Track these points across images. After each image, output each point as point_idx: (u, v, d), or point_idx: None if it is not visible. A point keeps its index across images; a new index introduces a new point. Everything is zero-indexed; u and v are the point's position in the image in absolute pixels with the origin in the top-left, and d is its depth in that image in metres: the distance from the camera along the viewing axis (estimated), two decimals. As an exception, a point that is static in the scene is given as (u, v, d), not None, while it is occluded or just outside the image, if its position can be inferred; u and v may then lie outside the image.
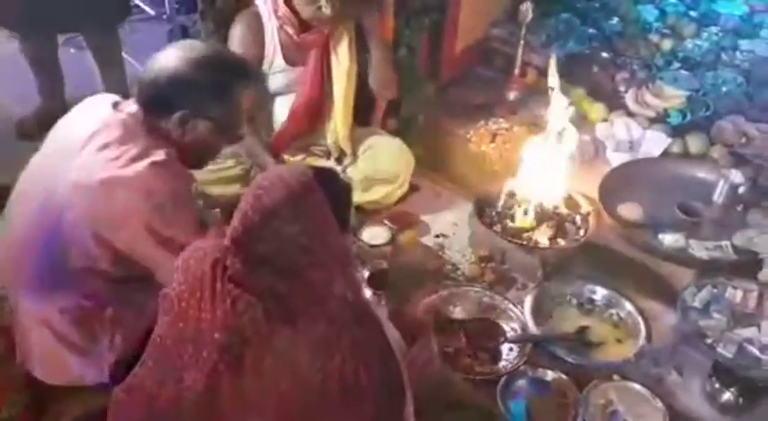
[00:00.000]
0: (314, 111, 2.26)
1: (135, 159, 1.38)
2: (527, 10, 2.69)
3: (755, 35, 3.68)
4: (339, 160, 2.38)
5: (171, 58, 1.43)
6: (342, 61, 2.19)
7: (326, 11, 1.99)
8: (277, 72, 2.18)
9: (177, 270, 1.12)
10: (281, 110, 2.25)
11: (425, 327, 1.55)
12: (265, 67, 2.15)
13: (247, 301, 1.06)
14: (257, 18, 2.10)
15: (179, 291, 1.10)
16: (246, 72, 1.53)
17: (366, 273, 2.01)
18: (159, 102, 1.45)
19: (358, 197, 2.34)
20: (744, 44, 3.52)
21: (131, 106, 1.48)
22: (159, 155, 1.40)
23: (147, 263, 1.45)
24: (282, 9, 2.06)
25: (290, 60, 2.17)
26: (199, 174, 2.14)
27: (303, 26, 2.08)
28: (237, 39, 2.09)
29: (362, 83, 2.32)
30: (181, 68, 1.41)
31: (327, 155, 2.38)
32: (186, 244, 1.20)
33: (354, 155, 2.36)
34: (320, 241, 1.11)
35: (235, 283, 1.08)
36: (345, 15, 2.12)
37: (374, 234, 2.32)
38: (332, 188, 1.16)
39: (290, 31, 2.08)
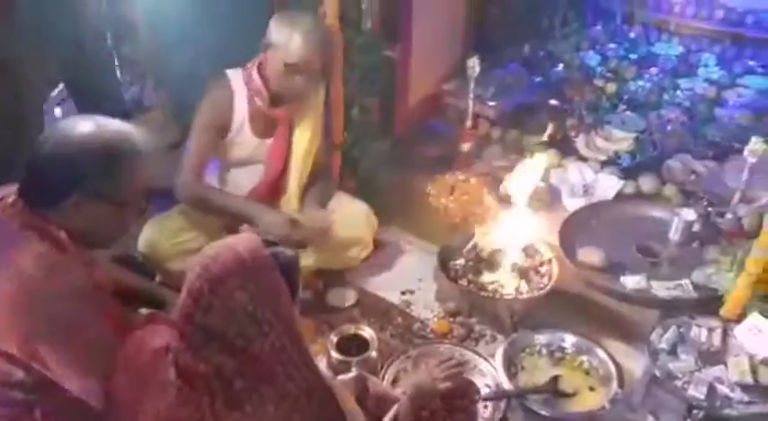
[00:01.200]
0: (278, 185, 2.26)
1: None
2: (474, 65, 2.76)
3: (693, 74, 3.86)
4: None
5: (51, 141, 1.34)
6: (304, 136, 2.20)
7: (298, 87, 2.01)
8: (243, 142, 2.17)
9: (120, 360, 1.08)
10: (245, 181, 2.24)
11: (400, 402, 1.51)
12: (232, 136, 2.15)
13: (190, 394, 1.02)
14: (227, 87, 2.11)
15: (121, 383, 1.06)
16: (133, 143, 1.39)
17: (335, 339, 1.98)
18: (45, 190, 1.34)
19: (324, 261, 2.32)
20: (683, 83, 3.69)
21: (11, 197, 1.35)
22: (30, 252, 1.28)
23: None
24: (256, 80, 2.06)
25: (258, 132, 2.17)
26: (158, 250, 2.13)
27: (273, 99, 2.09)
28: (206, 107, 2.10)
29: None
30: (62, 151, 1.32)
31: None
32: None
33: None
34: (271, 310, 1.08)
35: (180, 370, 1.04)
36: (311, 94, 2.15)
37: (340, 296, 2.30)
38: (281, 257, 1.15)
39: (261, 102, 2.09)
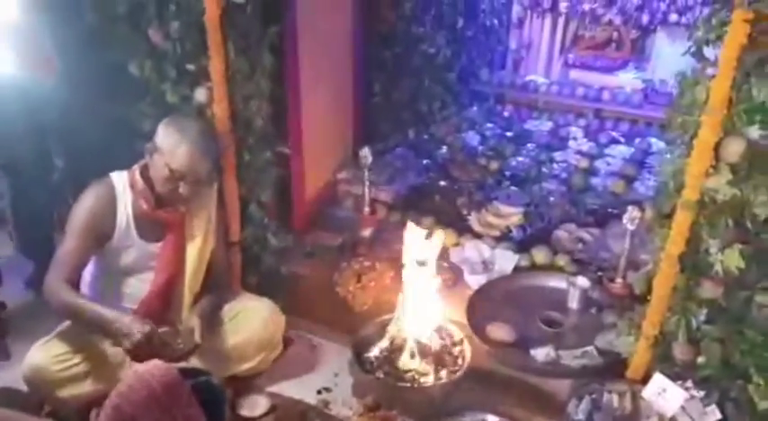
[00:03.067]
0: (169, 293, 2.14)
1: None
2: (366, 155, 2.84)
3: (564, 147, 4.19)
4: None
5: None
6: (196, 240, 2.13)
7: (183, 192, 1.95)
8: (129, 248, 2.06)
9: None
10: (134, 290, 2.11)
11: None
12: (116, 241, 2.03)
13: None
14: (110, 189, 2.01)
15: None
16: None
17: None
18: None
19: (232, 368, 2.20)
20: (557, 155, 3.99)
21: None
22: None
23: None
24: (139, 183, 1.99)
25: (145, 236, 2.07)
26: (45, 377, 1.93)
27: (159, 202, 2.01)
28: (85, 209, 1.97)
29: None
30: None
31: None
32: None
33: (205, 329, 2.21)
34: None
35: None
36: (201, 196, 2.10)
37: (251, 404, 2.18)
38: (205, 387, 1.07)
39: (145, 206, 2.00)
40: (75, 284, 1.99)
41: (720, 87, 1.59)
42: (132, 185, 2.01)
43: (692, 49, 1.72)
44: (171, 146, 1.91)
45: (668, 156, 1.87)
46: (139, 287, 2.11)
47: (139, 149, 2.05)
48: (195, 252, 2.13)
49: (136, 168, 2.02)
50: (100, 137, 2.54)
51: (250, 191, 2.49)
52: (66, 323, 2.02)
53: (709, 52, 1.70)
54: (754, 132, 1.62)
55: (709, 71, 1.67)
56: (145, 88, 2.41)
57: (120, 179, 2.03)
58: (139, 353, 1.75)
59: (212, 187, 2.19)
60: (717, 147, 1.66)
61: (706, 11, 1.64)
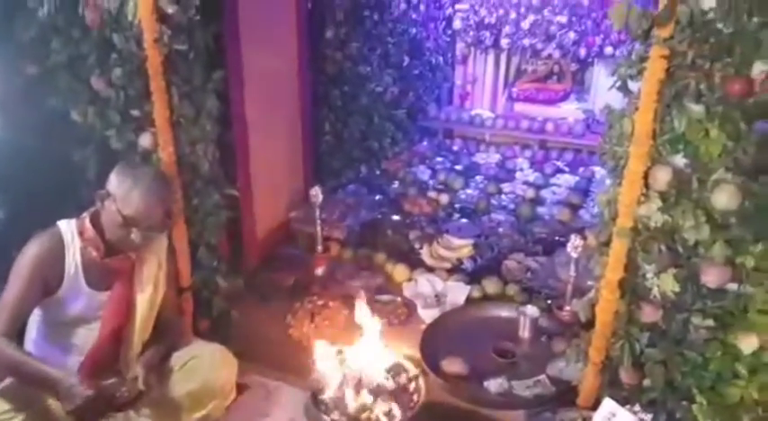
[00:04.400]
0: (117, 342, 2.09)
1: None
2: (317, 194, 2.86)
3: (512, 178, 4.30)
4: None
5: None
6: (147, 287, 2.09)
7: (136, 239, 1.93)
8: (77, 296, 2.01)
9: None
10: (81, 341, 2.05)
11: None
12: (64, 290, 1.98)
13: None
14: (57, 237, 1.97)
15: None
16: None
17: None
18: None
19: (185, 417, 2.14)
20: (505, 187, 4.09)
21: None
22: None
23: None
24: (89, 231, 1.95)
25: (94, 284, 2.02)
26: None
27: (109, 250, 1.98)
28: (30, 257, 1.92)
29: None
30: None
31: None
32: None
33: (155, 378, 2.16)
34: None
35: None
36: (152, 243, 2.08)
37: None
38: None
39: (95, 253, 1.97)
40: (16, 336, 1.93)
41: (644, 120, 1.67)
42: (82, 233, 1.98)
43: (618, 84, 1.81)
44: (124, 192, 1.89)
45: (609, 180, 1.94)
46: (87, 337, 2.06)
47: (84, 197, 2.03)
48: (146, 300, 2.09)
49: (86, 216, 1.99)
50: (43, 186, 2.49)
51: (199, 234, 2.48)
52: (8, 379, 1.95)
53: (633, 86, 1.79)
54: (679, 161, 1.71)
55: (635, 103, 1.76)
56: (89, 135, 2.40)
57: (68, 227, 2.00)
58: (82, 414, 1.70)
59: (162, 234, 2.18)
60: (646, 176, 1.74)
61: (637, 45, 1.72)
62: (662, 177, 1.71)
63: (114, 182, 1.92)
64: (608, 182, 1.89)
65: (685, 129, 1.63)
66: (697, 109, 1.60)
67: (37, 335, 2.05)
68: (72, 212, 2.04)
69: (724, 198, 1.62)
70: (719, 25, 1.53)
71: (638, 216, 1.77)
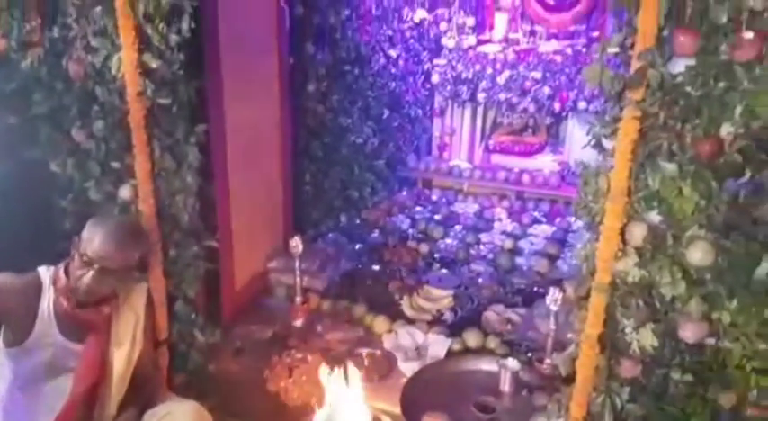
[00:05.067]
0: (92, 398, 2.03)
1: None
2: (297, 244, 2.86)
3: (490, 228, 4.34)
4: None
5: None
6: (124, 342, 2.05)
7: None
8: (49, 348, 1.96)
9: None
10: (52, 399, 1.98)
11: None
12: (34, 339, 1.93)
13: None
14: (36, 280, 1.95)
15: None
16: None
17: None
18: None
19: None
20: (484, 237, 4.12)
21: None
22: None
23: None
24: (62, 279, 1.93)
25: (68, 335, 1.98)
26: None
27: (82, 301, 1.95)
28: (4, 283, 1.90)
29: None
30: None
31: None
32: None
33: None
34: None
35: None
36: (129, 298, 2.06)
37: None
38: None
39: (66, 303, 1.94)
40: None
41: (619, 177, 1.72)
42: (55, 281, 1.96)
43: (593, 142, 1.86)
44: (87, 234, 1.92)
45: (586, 235, 1.97)
46: (58, 396, 2.00)
47: (61, 249, 2.01)
48: (122, 357, 2.05)
49: (60, 265, 1.98)
50: (20, 236, 2.46)
51: (177, 287, 2.45)
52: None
53: (607, 144, 1.84)
54: (654, 217, 1.75)
55: (609, 161, 1.81)
56: (67, 186, 2.39)
57: (47, 274, 1.99)
58: None
59: (141, 288, 2.15)
60: (622, 232, 1.77)
61: (610, 104, 1.78)
62: (638, 233, 1.75)
63: (84, 229, 1.94)
64: (585, 237, 1.92)
65: (659, 186, 1.68)
66: (670, 167, 1.65)
67: (7, 394, 1.99)
68: (48, 264, 2.02)
69: (698, 254, 1.66)
70: (688, 88, 1.59)
71: (616, 271, 1.80)
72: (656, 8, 1.53)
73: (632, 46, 1.64)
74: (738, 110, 1.56)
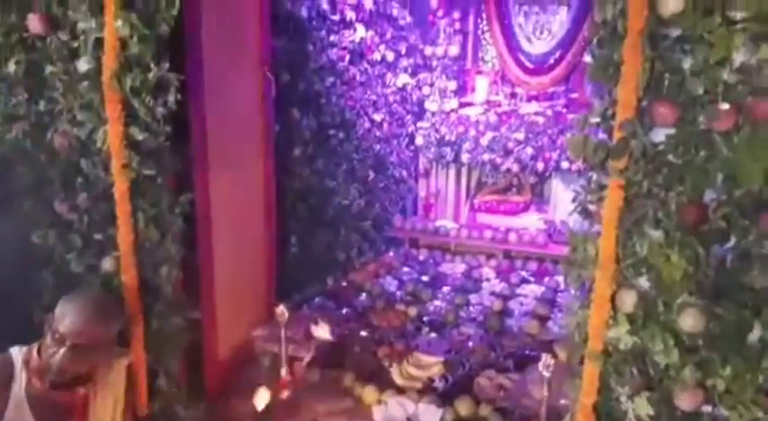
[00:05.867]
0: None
1: None
2: (283, 312, 2.81)
3: (479, 288, 4.31)
4: None
5: None
6: None
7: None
8: None
9: None
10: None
11: None
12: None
13: None
14: (9, 361, 1.87)
15: None
16: None
17: None
18: None
19: None
20: (473, 298, 4.08)
21: None
22: None
23: None
24: (35, 359, 1.86)
25: (43, 419, 1.89)
26: None
27: (56, 382, 1.87)
28: None
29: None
30: None
31: None
32: None
33: None
34: None
35: None
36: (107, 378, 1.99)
37: None
38: None
39: (38, 384, 1.86)
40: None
41: (607, 245, 1.72)
42: (27, 362, 1.89)
43: (579, 209, 1.87)
44: (59, 310, 1.88)
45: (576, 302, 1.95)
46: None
47: (38, 324, 1.95)
48: None
49: (34, 345, 1.91)
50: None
51: (158, 360, 2.37)
52: None
53: (593, 209, 1.85)
54: (644, 283, 1.74)
55: (596, 227, 1.81)
56: (48, 257, 2.34)
57: (19, 355, 1.91)
58: None
59: (120, 366, 2.09)
60: (613, 299, 1.76)
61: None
62: (628, 300, 1.73)
63: (58, 305, 1.89)
64: (575, 304, 1.90)
65: (647, 253, 1.68)
66: (657, 234, 1.65)
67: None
68: (26, 340, 1.95)
69: (690, 321, 1.64)
70: (670, 157, 1.62)
71: (608, 339, 1.77)
72: (635, 81, 1.57)
73: (613, 115, 1.67)
74: (720, 177, 1.59)
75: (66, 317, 1.84)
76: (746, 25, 1.49)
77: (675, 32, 1.57)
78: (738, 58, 1.51)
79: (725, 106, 1.52)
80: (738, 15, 1.49)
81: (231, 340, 3.07)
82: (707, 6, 1.51)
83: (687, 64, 1.57)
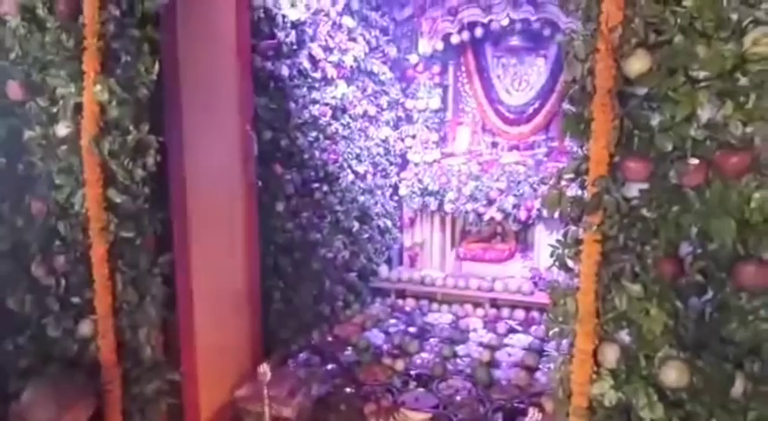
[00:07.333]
0: None
1: None
2: (266, 371, 2.75)
3: (466, 339, 4.26)
4: None
5: None
6: None
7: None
8: None
9: None
10: None
11: None
12: None
13: None
14: None
15: None
16: None
17: None
18: None
19: None
20: (460, 350, 4.03)
21: None
22: None
23: None
24: None
25: None
26: None
27: None
28: None
29: None
30: None
31: None
32: None
33: None
34: None
35: None
36: None
37: None
38: None
39: None
40: None
41: (587, 300, 1.72)
42: None
43: (557, 263, 1.88)
44: (26, 398, 1.86)
45: (559, 358, 1.93)
46: None
47: (13, 391, 1.90)
48: None
49: None
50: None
51: (136, 427, 2.31)
52: None
53: (571, 264, 1.85)
54: (625, 338, 1.73)
55: (575, 281, 1.81)
56: (24, 323, 2.29)
57: None
58: None
59: None
60: (595, 354, 1.75)
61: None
62: (611, 355, 1.73)
63: (24, 392, 1.87)
64: (558, 360, 1.89)
65: (626, 307, 1.68)
66: (635, 288, 1.66)
67: None
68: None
69: (673, 375, 1.64)
70: (644, 211, 1.64)
71: (592, 395, 1.75)
72: (607, 138, 1.60)
73: (587, 171, 1.70)
74: (694, 231, 1.60)
75: (32, 407, 1.81)
76: (710, 83, 1.54)
77: (642, 91, 1.61)
78: (704, 114, 1.55)
79: (694, 161, 1.56)
80: (701, 74, 1.54)
81: (213, 402, 3.00)
82: (671, 66, 1.56)
83: (655, 121, 1.61)
